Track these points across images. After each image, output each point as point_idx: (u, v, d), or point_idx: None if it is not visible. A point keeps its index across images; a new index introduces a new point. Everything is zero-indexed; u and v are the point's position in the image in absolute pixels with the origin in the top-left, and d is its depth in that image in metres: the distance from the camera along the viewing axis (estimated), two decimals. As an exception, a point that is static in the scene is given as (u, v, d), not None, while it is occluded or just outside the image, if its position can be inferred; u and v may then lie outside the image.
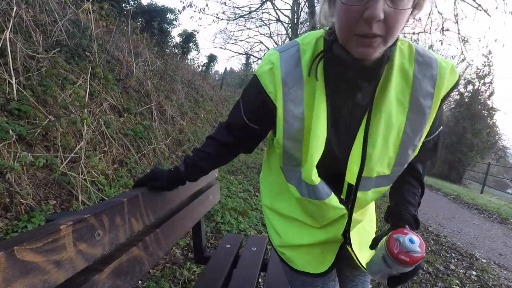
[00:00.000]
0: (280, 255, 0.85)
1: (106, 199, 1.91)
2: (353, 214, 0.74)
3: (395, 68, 0.62)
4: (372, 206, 0.93)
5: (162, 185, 0.83)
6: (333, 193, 0.71)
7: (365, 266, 0.70)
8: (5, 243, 0.43)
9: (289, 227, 0.82)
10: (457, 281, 2.43)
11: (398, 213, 0.70)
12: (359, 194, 0.70)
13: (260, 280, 1.76)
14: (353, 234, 0.78)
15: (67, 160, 1.92)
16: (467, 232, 4.24)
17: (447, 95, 0.65)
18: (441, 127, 0.71)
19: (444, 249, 3.22)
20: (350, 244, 0.76)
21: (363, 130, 0.65)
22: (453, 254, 3.12)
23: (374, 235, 0.89)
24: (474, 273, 2.69)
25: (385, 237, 0.54)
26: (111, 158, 2.41)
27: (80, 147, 2.07)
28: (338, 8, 0.54)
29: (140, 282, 1.61)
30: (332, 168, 0.70)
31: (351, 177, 0.69)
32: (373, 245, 0.63)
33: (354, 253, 0.77)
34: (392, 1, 0.50)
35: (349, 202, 0.72)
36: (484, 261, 3.09)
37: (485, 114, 13.30)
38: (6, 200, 1.46)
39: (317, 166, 0.67)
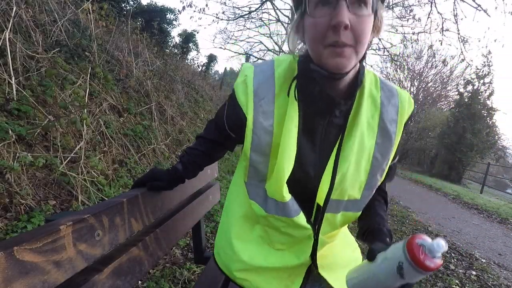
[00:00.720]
0: (241, 283, 0.77)
1: (106, 199, 1.91)
2: (321, 236, 0.73)
3: (366, 93, 0.66)
4: (345, 229, 0.90)
5: (162, 185, 0.83)
6: (301, 212, 0.70)
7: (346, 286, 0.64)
8: (4, 243, 0.43)
9: (255, 250, 0.78)
10: (457, 281, 2.43)
11: (376, 226, 0.70)
12: (327, 215, 0.70)
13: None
14: (321, 256, 0.76)
15: (66, 160, 1.92)
16: (467, 232, 4.25)
17: (407, 122, 0.69)
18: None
19: (444, 249, 3.23)
20: (316, 267, 0.74)
21: (335, 151, 0.66)
22: (452, 254, 3.12)
23: (353, 253, 0.87)
24: (474, 273, 2.69)
25: (401, 244, 0.51)
26: (111, 158, 2.41)
27: (80, 147, 2.07)
28: (307, 27, 0.58)
29: (140, 282, 1.61)
30: (303, 186, 0.70)
31: (320, 198, 0.69)
32: (371, 256, 0.56)
33: (323, 276, 0.74)
34: (354, 10, 0.53)
35: (317, 223, 0.71)
36: (484, 261, 3.10)
37: (485, 114, 13.30)
38: (6, 200, 1.46)
39: (288, 183, 0.66)
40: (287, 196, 0.67)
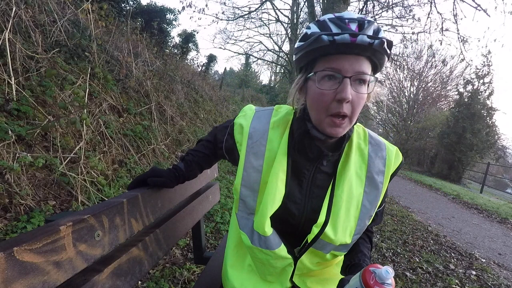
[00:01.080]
0: None
1: (106, 199, 1.91)
2: (303, 261, 0.79)
3: (354, 146, 0.75)
4: None
5: (163, 180, 0.85)
6: (283, 244, 0.77)
7: None
8: (4, 244, 0.43)
9: (246, 279, 0.85)
10: (456, 281, 2.43)
11: (357, 262, 0.77)
12: (317, 252, 0.76)
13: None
14: (305, 274, 0.83)
15: (66, 161, 1.92)
16: (467, 231, 4.25)
17: (394, 173, 0.78)
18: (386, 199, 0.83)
19: (444, 249, 3.23)
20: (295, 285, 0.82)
21: (327, 199, 0.73)
22: (452, 254, 3.13)
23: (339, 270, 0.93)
24: (474, 272, 2.69)
25: (359, 272, 0.59)
26: (110, 158, 2.41)
27: (80, 147, 2.07)
28: (313, 93, 0.66)
29: (140, 282, 1.61)
30: (286, 222, 0.77)
31: (311, 237, 0.75)
32: (340, 285, 0.66)
33: None
34: (356, 87, 0.63)
35: (300, 253, 0.78)
36: (484, 260, 3.10)
37: (485, 114, 13.28)
38: (6, 201, 1.46)
39: (274, 219, 0.74)
40: (269, 231, 0.74)
